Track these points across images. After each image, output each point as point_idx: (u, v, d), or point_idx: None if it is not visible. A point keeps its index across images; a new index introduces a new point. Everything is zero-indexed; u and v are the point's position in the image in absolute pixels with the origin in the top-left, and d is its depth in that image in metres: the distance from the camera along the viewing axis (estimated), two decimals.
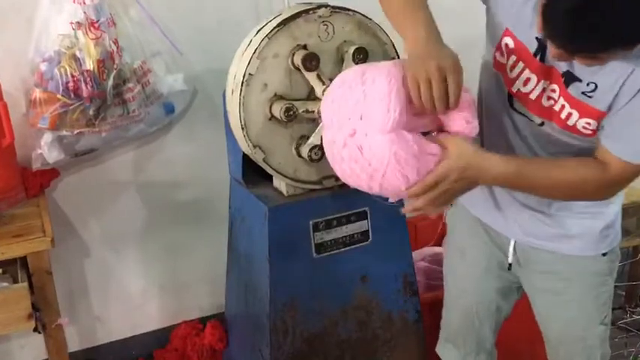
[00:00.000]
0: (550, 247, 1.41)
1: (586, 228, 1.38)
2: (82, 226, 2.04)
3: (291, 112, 1.49)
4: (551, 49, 1.11)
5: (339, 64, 1.54)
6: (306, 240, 1.65)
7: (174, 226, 2.15)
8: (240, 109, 1.50)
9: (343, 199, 1.66)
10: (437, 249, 2.32)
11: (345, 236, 1.70)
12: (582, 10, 0.99)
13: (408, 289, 1.82)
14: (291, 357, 1.71)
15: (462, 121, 1.20)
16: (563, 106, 1.22)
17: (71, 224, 2.02)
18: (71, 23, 1.70)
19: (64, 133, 1.73)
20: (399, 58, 1.61)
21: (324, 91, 1.48)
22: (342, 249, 1.70)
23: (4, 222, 1.70)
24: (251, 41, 1.51)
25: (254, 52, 1.47)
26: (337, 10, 1.52)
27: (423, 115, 1.20)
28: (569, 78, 1.19)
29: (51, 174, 1.87)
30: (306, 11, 1.50)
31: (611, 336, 1.52)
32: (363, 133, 1.18)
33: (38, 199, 1.82)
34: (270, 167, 1.57)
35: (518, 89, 1.26)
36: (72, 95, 1.70)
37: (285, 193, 1.65)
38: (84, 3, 1.69)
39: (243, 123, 1.51)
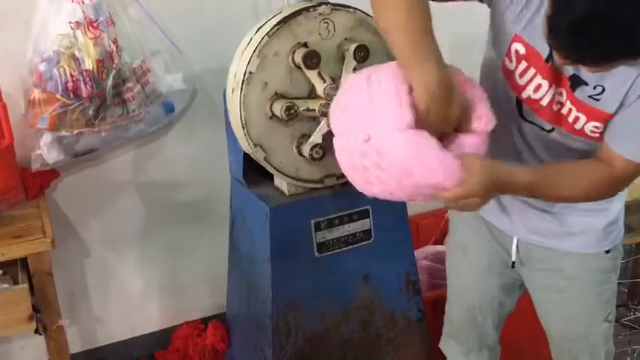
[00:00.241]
0: (553, 244, 1.40)
1: (589, 225, 1.37)
2: (82, 226, 2.03)
3: (292, 111, 1.48)
4: (556, 57, 1.11)
5: (340, 61, 1.53)
6: (307, 239, 1.64)
7: (175, 226, 2.14)
8: (240, 108, 1.49)
9: (345, 197, 1.65)
10: (439, 247, 2.31)
11: (347, 235, 1.69)
12: (586, 23, 0.98)
13: (411, 288, 1.82)
14: (293, 357, 1.70)
15: (478, 119, 1.19)
16: (570, 110, 1.21)
17: (71, 225, 2.01)
18: (70, 23, 1.69)
19: (64, 133, 1.72)
20: None
21: (325, 88, 1.47)
22: (344, 248, 1.69)
23: (3, 223, 1.69)
24: (251, 39, 1.50)
25: (254, 51, 1.47)
26: (338, 7, 1.51)
27: None
28: (576, 81, 1.18)
29: (51, 174, 1.86)
30: (307, 9, 1.49)
31: (614, 333, 1.52)
32: (378, 136, 1.14)
33: (38, 200, 1.81)
34: (272, 166, 1.56)
35: (529, 96, 1.24)
36: (71, 95, 1.69)
37: (286, 192, 1.64)
38: (82, 2, 1.68)
39: (243, 122, 1.50)
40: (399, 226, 1.76)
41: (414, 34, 1.10)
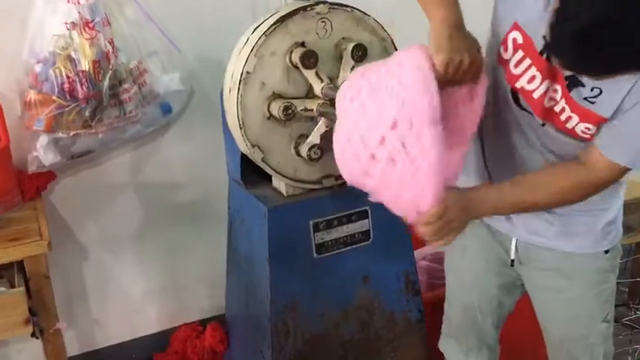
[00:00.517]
0: (552, 244, 1.39)
1: (588, 225, 1.37)
2: (79, 228, 2.02)
3: (290, 111, 1.47)
4: (558, 65, 1.10)
5: (338, 61, 1.52)
6: (306, 240, 1.63)
7: (173, 227, 2.13)
8: (238, 108, 1.48)
9: (343, 198, 1.65)
10: (438, 247, 2.30)
11: (345, 236, 1.68)
12: (592, 32, 0.96)
13: (410, 289, 1.81)
14: (292, 359, 1.70)
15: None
16: (563, 109, 1.20)
17: (68, 227, 2.00)
18: (66, 23, 1.68)
19: (60, 135, 1.71)
20: None
21: (323, 88, 1.46)
22: (343, 249, 1.68)
23: (0, 226, 1.68)
24: (248, 39, 1.49)
25: (251, 50, 1.46)
26: (335, 6, 1.51)
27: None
28: (573, 82, 1.17)
29: (47, 177, 1.85)
30: (304, 8, 1.48)
31: (615, 333, 1.51)
32: (407, 123, 1.10)
33: (35, 203, 1.80)
34: (269, 167, 1.55)
35: (522, 86, 1.24)
36: (67, 96, 1.68)
37: (284, 193, 1.63)
38: (78, 3, 1.67)
39: (241, 122, 1.49)
40: (398, 227, 1.74)
41: None
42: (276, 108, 1.47)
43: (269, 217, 1.59)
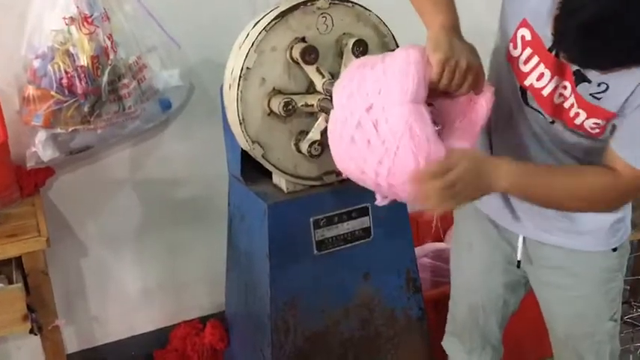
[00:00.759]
0: (560, 242, 1.38)
1: (596, 223, 1.35)
2: (78, 225, 2.01)
3: (290, 107, 1.46)
4: (564, 59, 1.09)
5: (339, 56, 1.51)
6: (306, 237, 1.62)
7: (173, 224, 2.13)
8: (238, 104, 1.47)
9: (344, 195, 1.64)
10: (440, 245, 2.30)
11: (346, 233, 1.67)
12: (594, 28, 0.95)
13: (411, 286, 1.80)
14: (292, 356, 1.69)
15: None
16: (572, 105, 1.19)
17: (67, 223, 1.99)
18: (64, 18, 1.66)
19: (59, 130, 1.70)
20: None
21: (324, 84, 1.45)
22: (344, 246, 1.67)
23: None
24: (248, 34, 1.48)
25: (251, 46, 1.44)
26: (336, 1, 1.49)
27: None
28: (579, 77, 1.16)
29: (46, 172, 1.84)
30: (304, 3, 1.47)
31: None
32: (381, 106, 1.14)
33: (33, 198, 1.79)
34: (270, 163, 1.54)
35: (531, 83, 1.22)
36: (66, 92, 1.67)
37: (284, 189, 1.62)
38: None
39: (241, 118, 1.48)
40: (399, 224, 1.74)
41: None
42: (277, 104, 1.46)
43: (269, 214, 1.58)
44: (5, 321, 1.54)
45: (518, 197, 1.28)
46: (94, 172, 1.96)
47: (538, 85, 1.22)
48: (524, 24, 1.19)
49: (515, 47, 1.22)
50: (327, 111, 1.45)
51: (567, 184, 1.19)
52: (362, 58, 1.27)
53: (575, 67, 1.15)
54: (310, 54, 1.44)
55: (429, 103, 1.18)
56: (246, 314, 1.85)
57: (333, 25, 1.50)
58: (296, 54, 1.45)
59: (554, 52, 1.16)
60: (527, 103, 1.27)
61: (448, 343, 1.65)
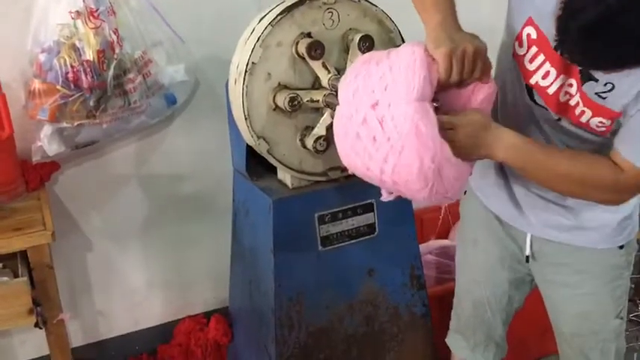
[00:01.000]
0: (566, 239, 1.38)
1: (603, 220, 1.35)
2: (83, 219, 2.01)
3: (296, 102, 1.46)
4: (567, 60, 1.09)
5: (345, 52, 1.51)
6: (311, 233, 1.62)
7: (177, 219, 2.13)
8: (243, 99, 1.47)
9: (349, 191, 1.63)
10: (444, 242, 2.29)
11: (351, 229, 1.67)
12: (595, 29, 0.96)
13: (416, 283, 1.80)
14: (296, 352, 1.69)
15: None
16: (578, 103, 1.19)
17: (72, 218, 1.99)
18: (70, 12, 1.66)
19: (64, 124, 1.70)
20: None
21: (329, 79, 1.44)
22: (348, 242, 1.67)
23: (3, 215, 1.67)
24: (254, 29, 1.48)
25: (257, 41, 1.44)
26: None
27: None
28: (586, 76, 1.16)
29: (51, 167, 1.84)
30: None
31: None
32: (387, 103, 1.14)
33: (38, 193, 1.79)
34: (275, 159, 1.54)
35: (537, 82, 1.22)
36: (72, 86, 1.67)
37: (289, 185, 1.62)
38: None
39: (246, 113, 1.48)
40: (404, 221, 1.73)
41: None
42: (282, 99, 1.45)
43: (274, 210, 1.57)
44: (11, 314, 1.55)
45: (515, 169, 1.28)
46: (99, 166, 1.97)
47: (543, 83, 1.21)
48: (529, 22, 1.19)
49: (520, 45, 1.22)
50: (332, 106, 1.45)
51: (563, 165, 1.19)
52: (367, 54, 1.27)
53: None
54: (316, 49, 1.44)
55: (433, 99, 1.18)
56: (251, 309, 1.85)
57: (339, 20, 1.50)
58: (302, 49, 1.45)
59: (560, 51, 1.16)
60: (533, 100, 1.27)
61: (452, 340, 1.65)
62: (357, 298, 1.73)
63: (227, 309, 2.13)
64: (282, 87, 1.48)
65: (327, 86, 1.46)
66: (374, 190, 1.33)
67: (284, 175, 1.64)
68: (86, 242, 2.04)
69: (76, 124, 1.71)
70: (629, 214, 1.36)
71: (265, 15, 1.49)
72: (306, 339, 1.69)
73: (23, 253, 1.62)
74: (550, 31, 1.14)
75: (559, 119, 1.25)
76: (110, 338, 2.16)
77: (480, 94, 1.20)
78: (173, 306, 2.22)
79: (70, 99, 1.68)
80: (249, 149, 1.62)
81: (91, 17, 1.67)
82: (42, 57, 1.68)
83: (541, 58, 1.19)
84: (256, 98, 1.47)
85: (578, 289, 1.40)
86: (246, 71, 1.45)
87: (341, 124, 1.24)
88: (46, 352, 1.81)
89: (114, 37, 1.70)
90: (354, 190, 1.63)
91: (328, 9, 1.48)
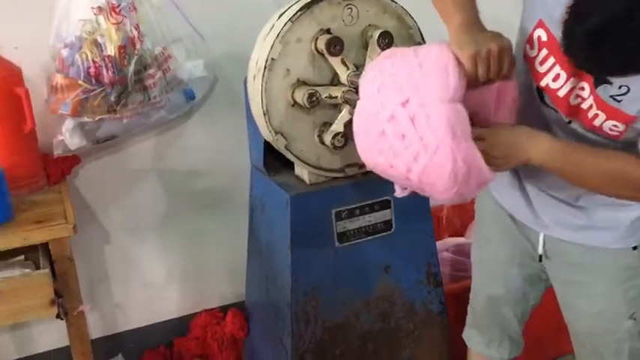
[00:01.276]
0: (579, 239, 1.37)
1: (615, 220, 1.34)
2: (102, 213, 2.04)
3: (314, 98, 1.46)
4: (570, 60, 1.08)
5: (364, 48, 1.51)
6: (328, 229, 1.63)
7: (195, 213, 2.14)
8: (262, 95, 1.47)
9: (366, 187, 1.64)
10: (460, 239, 2.29)
11: (367, 225, 1.67)
12: (601, 35, 0.95)
13: (432, 280, 1.79)
14: (312, 347, 1.70)
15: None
16: (591, 106, 1.18)
17: (91, 211, 2.02)
18: (92, 8, 1.68)
19: (86, 119, 1.72)
20: (424, 42, 1.57)
21: (348, 75, 1.45)
22: (365, 238, 1.67)
23: (24, 208, 1.70)
24: (273, 25, 1.49)
25: (276, 37, 1.45)
26: None
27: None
28: (599, 79, 1.15)
29: (72, 160, 1.87)
30: None
31: None
32: (419, 102, 1.13)
33: (60, 186, 1.82)
34: (293, 154, 1.55)
35: (547, 84, 1.22)
36: (93, 81, 1.69)
37: (307, 181, 1.63)
38: None
39: (265, 109, 1.49)
40: (421, 218, 1.74)
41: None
42: (301, 95, 1.46)
43: (291, 205, 1.58)
44: (33, 305, 1.57)
45: (552, 172, 1.26)
46: (118, 161, 1.99)
47: (554, 85, 1.21)
48: (540, 24, 1.19)
49: (532, 47, 1.21)
50: (351, 103, 1.45)
51: (601, 164, 1.18)
52: (389, 50, 1.27)
53: None
54: (335, 45, 1.44)
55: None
56: (267, 304, 1.86)
57: (358, 16, 1.50)
58: (321, 45, 1.45)
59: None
60: (544, 102, 1.26)
61: (468, 335, 1.66)
62: (373, 294, 1.73)
63: (243, 303, 2.15)
64: (301, 83, 1.49)
65: (346, 82, 1.46)
66: (391, 187, 1.33)
67: (301, 171, 1.64)
68: (105, 235, 2.06)
69: (97, 118, 1.73)
70: None
71: (285, 11, 1.49)
72: (322, 334, 1.70)
73: (44, 246, 1.64)
74: (559, 34, 1.14)
75: (569, 122, 1.24)
76: (127, 330, 2.19)
77: (508, 96, 1.19)
78: (190, 299, 2.23)
79: (92, 94, 1.70)
80: (267, 145, 1.63)
81: (113, 13, 1.68)
82: (64, 52, 1.70)
83: (551, 60, 1.19)
84: (275, 94, 1.48)
85: (591, 289, 1.39)
86: (265, 67, 1.46)
87: (362, 119, 1.23)
88: (65, 343, 1.83)
89: (135, 32, 1.72)
90: (371, 187, 1.63)
91: (347, 5, 1.48)
